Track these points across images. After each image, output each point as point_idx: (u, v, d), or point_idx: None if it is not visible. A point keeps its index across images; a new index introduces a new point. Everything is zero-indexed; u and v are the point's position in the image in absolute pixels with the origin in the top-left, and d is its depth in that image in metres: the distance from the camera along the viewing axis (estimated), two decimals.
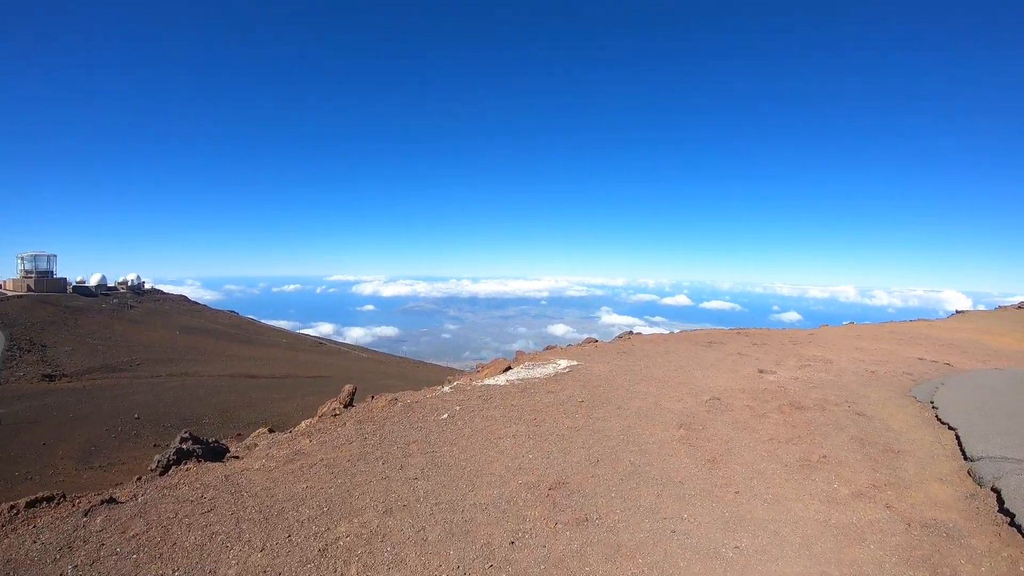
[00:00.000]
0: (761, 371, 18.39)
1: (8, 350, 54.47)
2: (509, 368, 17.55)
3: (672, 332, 32.77)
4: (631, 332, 33.10)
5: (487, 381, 15.49)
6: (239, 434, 22.32)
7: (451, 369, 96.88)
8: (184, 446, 10.72)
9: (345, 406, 16.56)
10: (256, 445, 12.53)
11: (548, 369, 17.26)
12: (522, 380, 15.65)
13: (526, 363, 18.49)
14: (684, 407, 13.43)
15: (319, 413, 16.48)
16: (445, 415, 12.10)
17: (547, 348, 26.95)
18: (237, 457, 11.29)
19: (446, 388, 14.92)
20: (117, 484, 11.03)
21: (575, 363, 18.35)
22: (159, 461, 10.64)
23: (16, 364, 50.09)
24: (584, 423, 11.88)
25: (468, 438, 10.91)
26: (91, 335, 68.82)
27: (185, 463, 10.46)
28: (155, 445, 28.16)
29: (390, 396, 14.38)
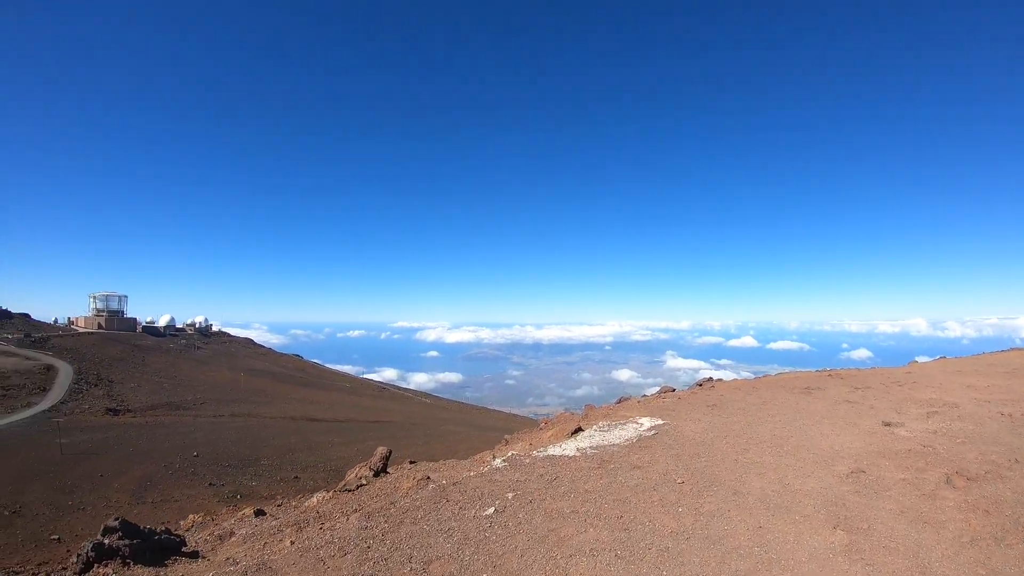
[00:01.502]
0: (887, 424, 14.47)
1: (75, 383, 54.98)
2: (579, 430, 13.76)
3: (758, 377, 28.64)
4: (711, 379, 29.11)
5: (551, 450, 11.72)
6: (235, 507, 19.59)
7: (514, 416, 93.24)
8: (107, 541, 7.28)
9: (376, 473, 13.23)
10: (231, 535, 9.13)
11: (628, 431, 13.42)
12: (597, 448, 11.81)
13: (600, 422, 14.66)
14: (821, 486, 9.59)
15: (344, 481, 13.18)
16: (491, 509, 8.32)
17: (620, 400, 23.15)
18: (194, 555, 7.89)
19: (497, 461, 11.11)
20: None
21: (659, 421, 14.51)
22: (79, 556, 7.26)
23: (82, 397, 50.57)
24: (693, 523, 8.02)
25: (522, 556, 7.14)
26: (157, 373, 69.51)
27: (106, 564, 7.06)
28: (211, 484, 27.56)
29: (421, 472, 10.75)
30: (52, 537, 20.33)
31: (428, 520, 8.07)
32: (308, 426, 48.10)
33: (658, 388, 26.41)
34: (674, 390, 26.36)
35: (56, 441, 32.83)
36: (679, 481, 9.61)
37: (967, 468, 10.41)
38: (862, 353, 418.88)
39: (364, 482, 12.13)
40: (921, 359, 36.37)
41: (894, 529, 7.88)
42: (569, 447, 11.87)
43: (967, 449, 11.74)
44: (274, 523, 9.28)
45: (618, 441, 12.40)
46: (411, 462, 13.81)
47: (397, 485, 10.14)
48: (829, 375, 26.79)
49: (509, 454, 11.52)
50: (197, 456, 32.58)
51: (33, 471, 27.83)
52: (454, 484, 9.50)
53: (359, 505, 9.32)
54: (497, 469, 10.34)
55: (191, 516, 13.21)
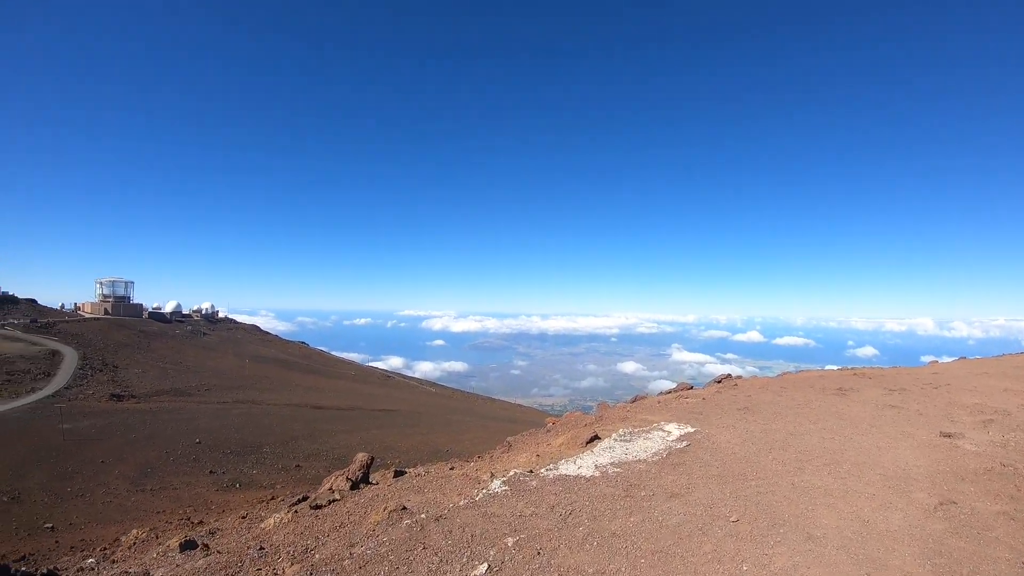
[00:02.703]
0: (946, 435, 12.36)
1: (80, 369, 54.37)
2: (596, 438, 11.45)
3: (783, 375, 26.41)
4: (730, 376, 26.87)
5: (563, 467, 9.39)
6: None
7: (519, 407, 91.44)
8: None
9: (354, 484, 11.12)
10: None
11: (654, 441, 11.11)
12: (620, 466, 9.50)
13: (619, 428, 12.33)
14: (909, 524, 7.42)
15: (316, 493, 11.08)
16: (483, 566, 5.86)
17: (636, 399, 20.90)
18: None
19: (496, 483, 8.68)
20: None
21: (689, 429, 12.23)
22: None
23: (87, 382, 50.01)
24: None
25: None
26: (162, 359, 69.32)
27: None
28: (211, 472, 26.83)
29: (396, 498, 8.40)
30: (46, 526, 19.57)
31: None
32: (312, 413, 47.17)
33: (673, 384, 24.26)
34: (692, 387, 24.10)
35: (59, 427, 32.33)
36: (733, 519, 7.29)
37: None
38: (868, 351, 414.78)
39: (337, 496, 10.01)
40: (927, 358, 34.61)
41: None
42: (586, 463, 9.54)
43: None
44: (200, 563, 6.99)
45: (644, 456, 10.08)
46: (396, 473, 11.57)
47: (365, 515, 7.85)
48: (854, 374, 24.64)
49: (511, 472, 9.08)
50: (199, 443, 31.84)
51: (35, 457, 27.38)
52: (437, 519, 7.08)
53: (316, 538, 7.09)
54: (495, 496, 7.95)
55: (134, 531, 11.18)
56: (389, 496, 8.75)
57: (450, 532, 6.78)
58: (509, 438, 15.97)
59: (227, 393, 55.04)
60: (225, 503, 22.06)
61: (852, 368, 28.64)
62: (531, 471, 9.22)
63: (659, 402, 17.11)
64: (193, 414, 40.88)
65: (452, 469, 12.15)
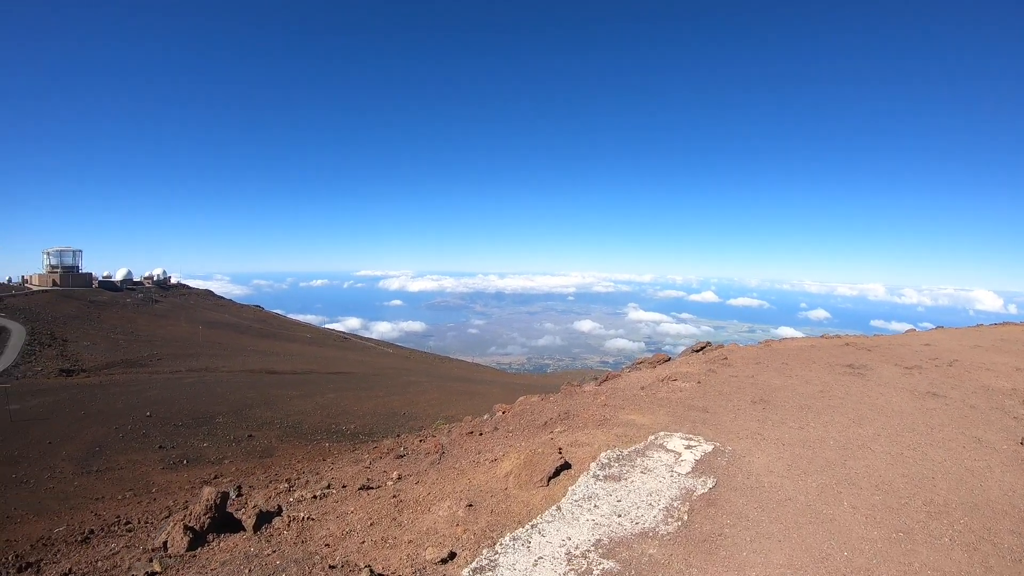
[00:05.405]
0: None
1: (28, 344, 52.29)
2: (566, 466, 7.26)
3: (767, 343, 22.74)
4: (710, 344, 23.09)
5: (508, 562, 5.09)
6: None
7: (477, 365, 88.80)
8: None
9: (194, 539, 7.08)
10: None
11: (659, 478, 6.84)
12: (613, 552, 5.02)
13: (600, 454, 7.95)
14: None
15: (151, 549, 7.10)
16: None
17: (608, 377, 16.87)
18: None
19: None
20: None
21: (703, 446, 8.13)
22: None
23: (35, 359, 48.21)
24: None
25: None
26: (113, 329, 67.07)
27: None
28: (160, 447, 25.19)
29: None
30: None
31: None
32: (267, 379, 45.84)
33: (631, 343, 20.80)
34: (668, 358, 20.21)
35: (5, 408, 30.34)
36: None
37: None
38: (820, 313, 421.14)
39: (159, 570, 6.02)
40: (877, 322, 32.23)
41: None
42: (551, 544, 5.11)
43: None
44: None
45: (651, 519, 5.72)
46: (259, 519, 7.39)
47: None
48: (847, 344, 21.21)
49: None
50: (150, 416, 30.07)
51: None
52: None
53: None
54: None
55: None
56: None
57: None
58: (443, 439, 11.84)
59: (180, 362, 53.17)
60: (167, 484, 20.55)
61: (841, 336, 25.53)
62: (449, 557, 5.04)
63: (641, 388, 13.00)
64: (144, 386, 39.03)
65: (365, 490, 8.17)
